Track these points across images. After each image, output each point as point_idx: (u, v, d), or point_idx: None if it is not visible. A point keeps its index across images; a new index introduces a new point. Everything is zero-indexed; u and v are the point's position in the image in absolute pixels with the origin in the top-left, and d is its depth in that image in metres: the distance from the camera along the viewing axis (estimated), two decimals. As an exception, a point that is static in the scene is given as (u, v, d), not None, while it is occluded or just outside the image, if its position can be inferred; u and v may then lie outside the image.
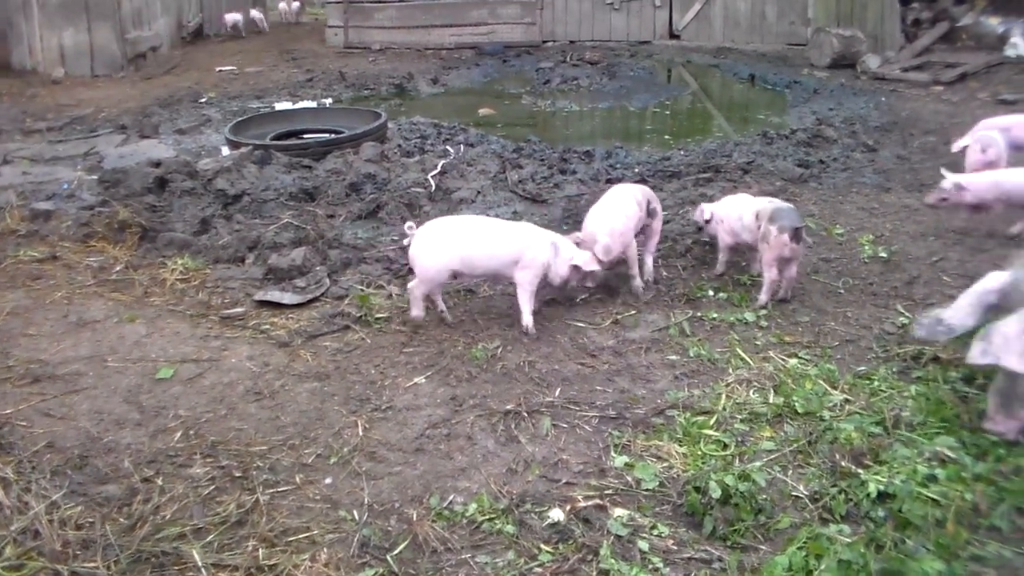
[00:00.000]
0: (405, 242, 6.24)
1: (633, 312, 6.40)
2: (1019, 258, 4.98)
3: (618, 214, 6.52)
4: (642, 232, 6.88)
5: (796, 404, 4.99)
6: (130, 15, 17.85)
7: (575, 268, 6.21)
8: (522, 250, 6.11)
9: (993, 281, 4.93)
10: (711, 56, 20.53)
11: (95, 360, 5.74)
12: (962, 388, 5.14)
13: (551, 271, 6.19)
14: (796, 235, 6.22)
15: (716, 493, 4.13)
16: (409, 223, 6.24)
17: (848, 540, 3.92)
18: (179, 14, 21.26)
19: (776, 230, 6.25)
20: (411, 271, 6.98)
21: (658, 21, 22.43)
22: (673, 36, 22.38)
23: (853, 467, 4.43)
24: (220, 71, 18.30)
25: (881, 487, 4.21)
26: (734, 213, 6.80)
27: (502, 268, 6.18)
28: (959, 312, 4.94)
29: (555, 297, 6.58)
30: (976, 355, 4.51)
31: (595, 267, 6.25)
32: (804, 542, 3.90)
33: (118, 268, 7.22)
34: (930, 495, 4.14)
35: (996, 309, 4.69)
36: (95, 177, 9.81)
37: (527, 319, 6.16)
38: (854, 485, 4.29)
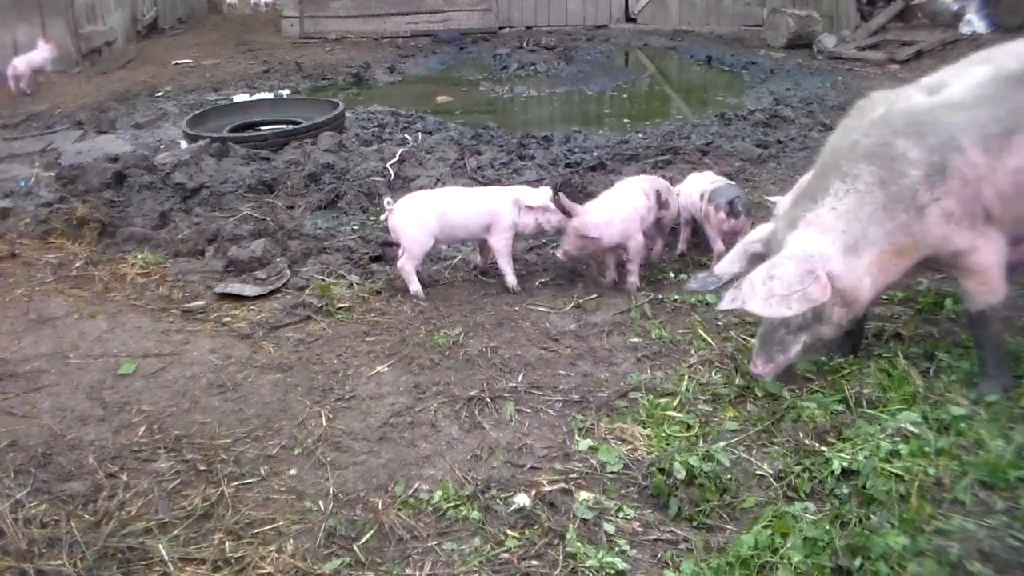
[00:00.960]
0: (383, 217, 6.53)
1: (595, 296, 6.42)
2: (783, 211, 5.14)
3: (622, 203, 6.50)
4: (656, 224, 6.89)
5: (758, 384, 5.02)
6: (84, 10, 17.64)
7: (528, 209, 6.44)
8: (491, 213, 6.41)
9: (758, 232, 5.11)
10: (668, 39, 20.54)
11: (56, 357, 5.70)
12: (923, 364, 5.17)
13: (520, 226, 6.49)
14: (731, 209, 6.32)
15: (681, 474, 4.15)
16: (387, 198, 6.46)
17: (813, 517, 3.95)
18: (133, 8, 21.05)
19: (713, 208, 6.38)
20: (375, 259, 7.02)
21: (614, 5, 22.42)
22: (630, 19, 22.37)
23: (817, 445, 4.46)
24: (176, 64, 18.15)
25: (845, 464, 4.23)
26: (686, 191, 6.91)
27: (477, 232, 6.52)
28: (726, 263, 5.14)
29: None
30: (726, 302, 4.73)
31: (543, 202, 6.44)
32: (769, 520, 3.92)
33: (78, 264, 7.16)
34: (893, 471, 4.16)
35: (760, 258, 4.84)
36: (53, 174, 9.74)
37: (510, 280, 6.54)
38: (818, 463, 4.31)
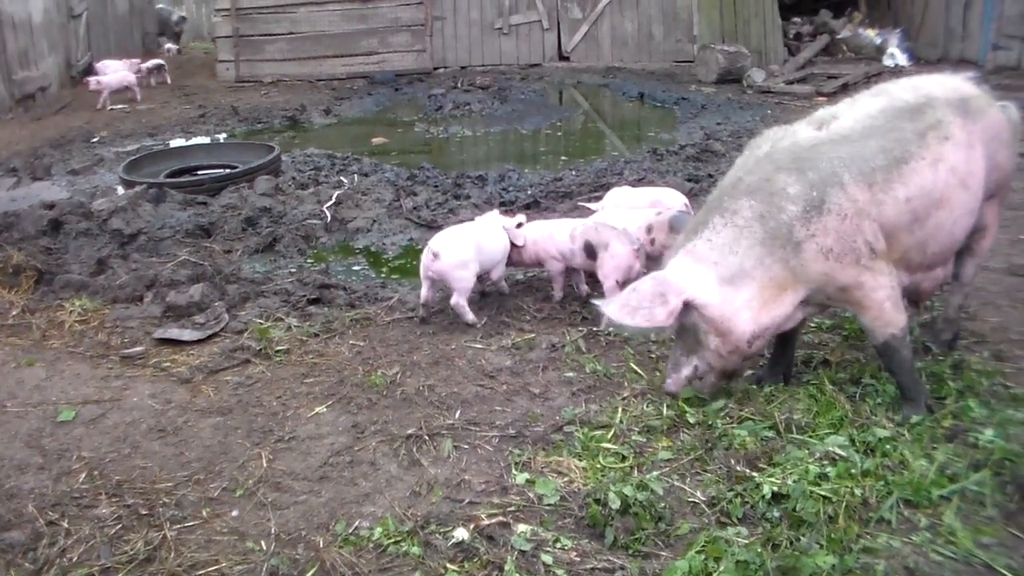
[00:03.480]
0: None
1: (531, 333, 6.50)
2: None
3: (540, 229, 7.09)
4: None
5: (688, 415, 5.11)
6: (16, 55, 17.59)
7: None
8: None
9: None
10: (600, 76, 20.77)
11: (-6, 406, 5.70)
12: (850, 388, 5.30)
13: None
14: None
15: (616, 504, 4.21)
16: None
17: (745, 541, 4.04)
18: (67, 53, 20.99)
19: None
20: (312, 302, 7.10)
21: (547, 43, 22.64)
22: (563, 58, 22.59)
23: (748, 471, 4.55)
24: (112, 109, 18.09)
25: (775, 488, 4.33)
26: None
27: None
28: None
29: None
30: (601, 306, 5.02)
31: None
32: (703, 546, 4.00)
33: (14, 313, 7.14)
34: (822, 493, 4.27)
35: None
36: (-13, 222, 9.70)
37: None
38: (749, 488, 4.40)
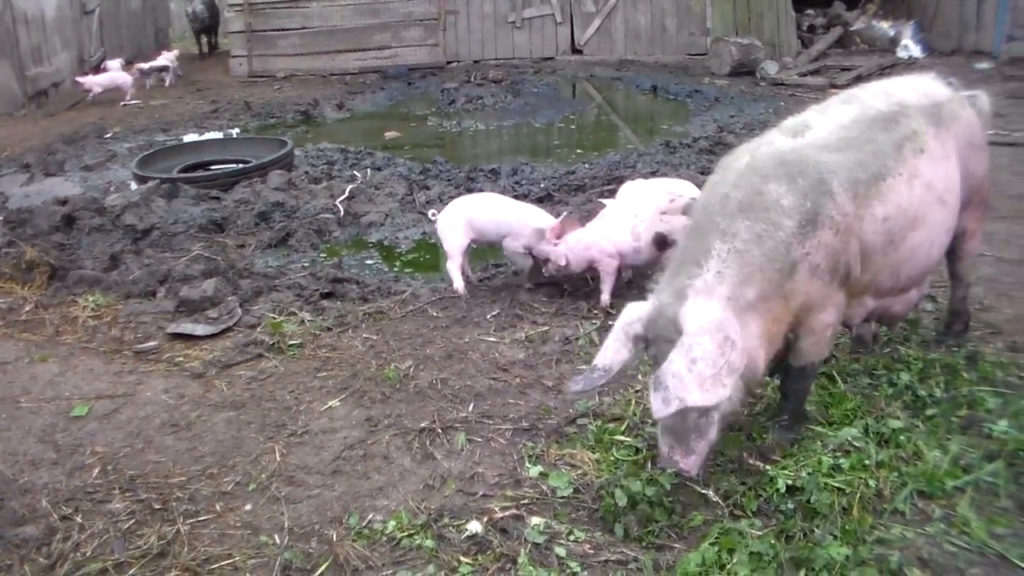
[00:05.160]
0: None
1: (544, 327, 6.49)
2: (659, 285, 4.46)
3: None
4: None
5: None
6: (29, 51, 17.61)
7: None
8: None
9: (634, 312, 4.37)
10: (614, 69, 20.74)
11: (7, 401, 5.70)
12: (863, 380, 5.28)
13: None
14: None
15: (623, 501, 4.21)
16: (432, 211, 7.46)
17: (759, 533, 4.03)
18: (80, 49, 21.01)
19: None
20: (325, 296, 7.10)
21: (560, 37, 22.61)
22: (576, 51, 22.57)
23: (761, 464, 4.53)
24: (124, 105, 18.12)
25: (789, 481, 4.32)
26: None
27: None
28: (607, 352, 4.35)
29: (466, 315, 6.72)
30: (660, 407, 3.94)
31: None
32: (716, 537, 3.99)
33: (28, 308, 7.16)
34: (836, 484, 4.27)
35: (643, 339, 4.31)
36: (0, 217, 9.71)
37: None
38: (763, 481, 4.39)
